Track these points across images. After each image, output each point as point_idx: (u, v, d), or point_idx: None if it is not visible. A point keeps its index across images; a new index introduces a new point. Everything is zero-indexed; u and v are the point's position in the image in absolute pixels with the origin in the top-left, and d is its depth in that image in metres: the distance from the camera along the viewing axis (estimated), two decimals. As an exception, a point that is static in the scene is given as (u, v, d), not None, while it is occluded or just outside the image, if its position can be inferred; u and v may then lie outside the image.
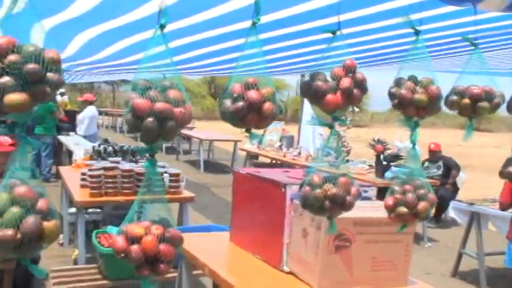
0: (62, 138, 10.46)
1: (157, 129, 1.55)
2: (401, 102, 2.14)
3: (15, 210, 1.44)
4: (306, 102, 11.60)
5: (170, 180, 5.48)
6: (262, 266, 2.99)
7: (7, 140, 5.08)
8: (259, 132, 11.33)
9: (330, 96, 1.95)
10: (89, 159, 6.74)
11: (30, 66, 1.38)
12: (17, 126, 1.42)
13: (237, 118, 1.76)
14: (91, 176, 5.22)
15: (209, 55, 4.43)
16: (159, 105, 1.55)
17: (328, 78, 1.99)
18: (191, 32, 3.32)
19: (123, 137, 20.76)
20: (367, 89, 2.01)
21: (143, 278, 1.72)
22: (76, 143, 9.56)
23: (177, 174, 5.55)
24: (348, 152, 9.66)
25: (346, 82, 1.95)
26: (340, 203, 1.97)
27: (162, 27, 1.60)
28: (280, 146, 11.36)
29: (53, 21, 2.96)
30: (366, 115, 46.92)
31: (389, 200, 2.22)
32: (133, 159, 6.34)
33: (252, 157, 13.05)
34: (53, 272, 4.35)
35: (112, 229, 4.74)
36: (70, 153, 9.52)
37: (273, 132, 12.14)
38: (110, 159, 6.08)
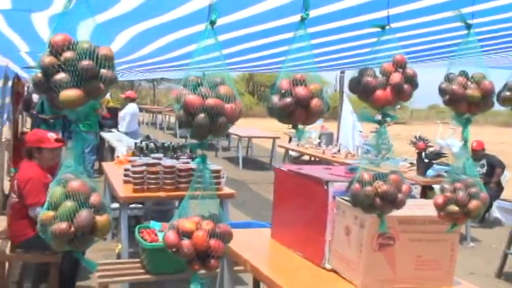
0: (105, 134, 10.65)
1: (208, 125, 1.56)
2: (453, 98, 2.08)
3: (69, 204, 1.47)
4: (345, 99, 11.51)
5: (211, 177, 5.50)
6: (304, 263, 2.97)
7: (52, 135, 5.21)
8: (306, 128, 11.37)
9: (379, 92, 1.92)
10: (131, 155, 6.84)
11: (85, 62, 1.40)
12: (71, 122, 1.44)
13: (284, 114, 1.75)
14: (134, 172, 5.29)
15: (252, 50, 4.42)
16: (210, 101, 1.55)
17: (378, 74, 1.96)
18: (234, 28, 3.32)
19: (163, 133, 21.03)
20: (417, 84, 1.97)
21: (193, 273, 1.72)
22: (118, 140, 9.72)
23: (218, 171, 5.57)
24: (389, 150, 9.51)
25: (396, 77, 1.91)
26: (391, 201, 1.94)
27: (212, 23, 1.59)
28: (319, 143, 11.29)
29: (98, 19, 3.01)
30: (406, 112, 46.16)
31: (439, 198, 2.16)
32: (175, 155, 6.39)
33: (290, 154, 13.00)
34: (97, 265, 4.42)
35: (154, 224, 4.81)
36: (112, 149, 9.68)
37: (312, 129, 12.07)
38: (152, 155, 6.16)
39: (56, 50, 1.42)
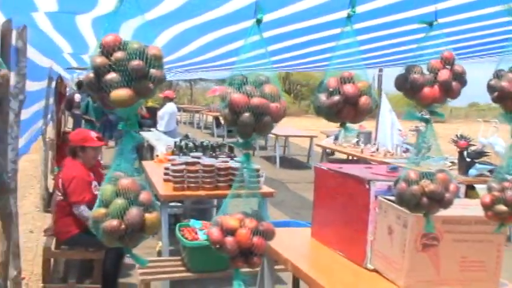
0: (144, 134, 10.80)
1: (253, 124, 1.56)
2: (502, 95, 2.02)
3: (119, 201, 1.49)
4: (384, 97, 11.35)
5: (250, 176, 5.51)
6: (345, 262, 2.95)
7: (95, 134, 5.33)
8: (354, 127, 11.26)
9: (427, 90, 1.88)
10: (170, 154, 6.91)
11: (135, 62, 1.42)
12: (121, 121, 1.46)
13: (332, 112, 1.74)
14: (174, 171, 5.34)
15: (293, 48, 4.39)
16: (256, 100, 1.56)
17: (425, 71, 1.93)
18: (277, 25, 3.30)
19: (201, 132, 21.21)
20: (466, 81, 1.93)
21: (236, 270, 1.73)
22: (157, 139, 9.84)
23: (257, 170, 5.57)
24: (429, 149, 9.35)
25: (444, 74, 1.88)
26: (439, 200, 1.90)
27: (258, 21, 1.60)
28: (357, 142, 11.17)
29: (139, 20, 3.05)
30: (445, 110, 45.23)
31: (487, 197, 2.10)
32: (214, 154, 6.43)
33: (327, 153, 12.92)
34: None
35: (195, 223, 4.86)
36: (151, 148, 9.81)
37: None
38: (191, 154, 6.21)
39: (107, 51, 1.44)
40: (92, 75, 1.45)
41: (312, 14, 2.95)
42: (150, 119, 11.54)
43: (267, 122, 1.57)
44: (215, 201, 7.04)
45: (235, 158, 6.15)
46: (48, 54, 6.01)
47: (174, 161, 5.68)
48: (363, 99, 1.73)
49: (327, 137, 13.42)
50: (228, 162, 5.72)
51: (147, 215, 1.51)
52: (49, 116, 8.04)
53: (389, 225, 2.64)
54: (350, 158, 12.09)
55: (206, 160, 5.70)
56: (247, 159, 1.71)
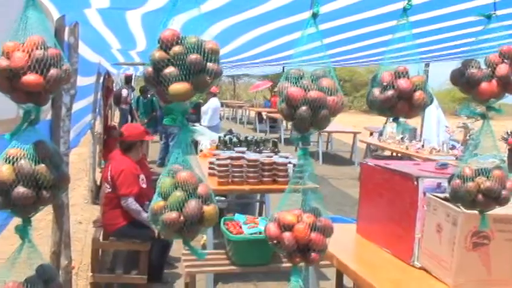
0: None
1: (310, 117, 1.55)
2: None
3: (178, 194, 1.51)
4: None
5: (294, 171, 5.49)
6: (392, 259, 2.91)
7: (141, 128, 5.43)
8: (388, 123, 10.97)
9: (484, 85, 1.84)
10: (215, 149, 6.96)
11: (193, 56, 1.43)
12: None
13: (385, 107, 1.71)
14: (219, 165, 5.38)
15: (344, 42, 4.33)
16: (313, 94, 1.55)
17: (482, 65, 1.88)
18: (329, 19, 3.26)
19: (243, 128, 21.29)
20: (526, 76, 1.87)
21: (293, 266, 1.73)
22: (201, 134, 9.91)
23: (301, 165, 5.55)
24: (476, 146, 9.14)
25: (503, 69, 1.82)
26: (495, 198, 1.85)
27: (314, 15, 1.59)
28: (402, 138, 10.99)
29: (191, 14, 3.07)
30: (492, 106, 43.95)
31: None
32: (258, 149, 6.44)
33: (372, 149, 12.76)
34: (184, 255, 4.54)
35: (239, 217, 4.87)
36: (195, 143, 9.90)
37: (395, 123, 11.74)
38: (236, 149, 6.24)
39: (165, 45, 1.46)
40: (150, 69, 1.47)
41: (366, 6, 2.91)
42: (194, 114, 11.63)
43: (325, 116, 1.56)
44: (258, 196, 7.06)
45: (279, 153, 6.15)
46: (98, 50, 6.14)
47: (219, 155, 5.72)
48: (418, 94, 1.70)
49: (371, 133, 13.27)
50: (272, 157, 5.72)
51: (206, 208, 1.52)
52: (97, 110, 8.23)
53: (438, 222, 2.59)
54: (394, 154, 11.90)
55: (251, 155, 5.72)
56: (304, 153, 1.70)
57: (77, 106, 5.18)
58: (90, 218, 6.82)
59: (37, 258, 1.52)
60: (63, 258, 3.72)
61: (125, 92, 12.93)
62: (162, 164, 11.04)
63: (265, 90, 30.67)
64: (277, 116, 18.61)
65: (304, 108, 1.55)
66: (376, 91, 1.73)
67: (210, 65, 1.46)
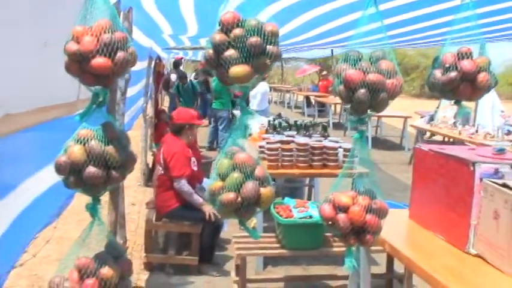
0: (237, 112, 10.96)
1: (368, 100, 1.54)
2: None
3: (236, 175, 1.54)
4: (485, 76, 10.76)
5: (344, 155, 5.46)
6: (446, 246, 2.86)
7: (191, 112, 5.50)
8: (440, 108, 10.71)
9: None
10: (264, 132, 6.96)
11: (253, 39, 1.45)
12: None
13: (447, 90, 1.68)
14: (269, 149, 5.38)
15: (404, 23, 4.24)
16: (372, 76, 1.53)
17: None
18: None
19: (291, 112, 21.23)
20: None
21: (348, 248, 1.73)
22: (250, 117, 9.93)
23: (356, 149, 5.50)
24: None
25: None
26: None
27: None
28: (454, 123, 10.69)
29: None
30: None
31: None
32: (307, 133, 6.42)
33: (422, 134, 12.50)
34: (235, 237, 4.60)
35: (289, 200, 4.89)
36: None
37: (447, 108, 11.44)
38: (285, 133, 6.23)
39: (226, 28, 1.48)
40: (211, 51, 1.49)
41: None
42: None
43: (383, 99, 1.54)
44: (307, 180, 7.05)
45: (329, 138, 6.11)
46: (150, 34, 6.25)
47: (269, 139, 5.72)
48: (482, 76, 1.66)
49: (421, 117, 12.97)
50: (322, 141, 5.69)
51: (262, 189, 1.54)
52: (148, 94, 8.38)
53: (495, 209, 2.53)
54: (446, 139, 11.63)
55: (300, 139, 5.70)
56: (361, 136, 1.69)
57: (130, 90, 5.30)
58: (143, 200, 6.98)
59: (106, 236, 1.58)
60: (118, 238, 3.84)
61: (173, 77, 13.10)
62: (211, 147, 11.16)
63: (312, 75, 30.40)
64: (326, 100, 18.48)
65: (362, 91, 1.54)
66: (438, 73, 1.69)
67: (269, 47, 1.47)
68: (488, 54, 1.67)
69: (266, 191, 1.55)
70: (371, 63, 1.57)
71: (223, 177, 1.56)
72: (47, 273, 4.68)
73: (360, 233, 1.70)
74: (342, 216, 1.68)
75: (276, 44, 1.48)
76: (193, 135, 5.25)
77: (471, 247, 2.69)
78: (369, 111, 1.61)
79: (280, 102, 26.18)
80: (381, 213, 1.71)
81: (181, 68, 15.37)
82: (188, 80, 12.29)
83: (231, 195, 1.51)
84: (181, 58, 14.39)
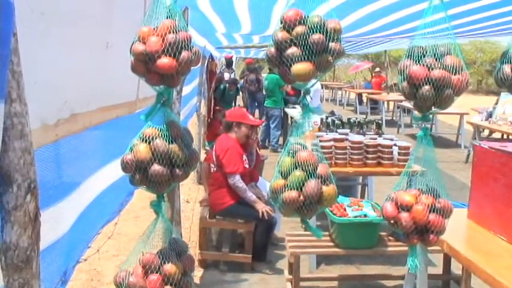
0: (289, 110, 10.96)
1: (433, 97, 1.50)
2: None
3: (298, 173, 1.53)
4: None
5: (399, 153, 5.37)
6: (508, 247, 2.79)
7: (243, 110, 5.55)
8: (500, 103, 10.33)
9: None
10: (317, 130, 6.93)
11: (316, 36, 1.44)
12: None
13: (517, 85, 1.62)
14: (322, 147, 5.34)
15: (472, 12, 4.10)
16: (436, 73, 1.49)
17: None
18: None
19: (343, 109, 21.02)
20: None
21: (411, 246, 1.70)
22: (319, 114, 9.86)
23: (407, 147, 5.40)
24: None
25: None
26: None
27: (439, -9, 1.52)
28: (515, 120, 10.30)
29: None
30: None
31: None
32: (361, 131, 6.34)
33: (480, 132, 12.12)
34: (288, 236, 4.60)
35: (343, 199, 4.85)
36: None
37: (506, 104, 11.04)
38: (339, 131, 6.18)
39: (288, 25, 1.47)
40: (273, 49, 1.49)
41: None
42: (295, 96, 11.63)
43: (448, 96, 1.50)
44: (360, 179, 6.96)
45: (383, 135, 6.02)
46: (204, 33, 6.32)
47: (322, 137, 5.69)
48: (554, 72, 1.59)
49: (479, 114, 12.58)
50: (376, 139, 5.61)
51: (325, 188, 1.53)
52: (202, 93, 8.48)
53: (560, 209, 2.44)
54: (506, 136, 11.22)
55: (354, 137, 5.64)
56: (425, 134, 1.65)
57: (185, 89, 5.39)
58: (197, 197, 7.08)
59: (169, 232, 1.61)
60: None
61: (226, 76, 13.20)
62: (263, 145, 11.18)
63: (365, 71, 30.01)
64: (378, 97, 18.19)
65: (427, 87, 1.50)
66: (507, 68, 1.63)
67: (332, 44, 1.45)
68: None
69: (328, 189, 1.54)
70: (436, 59, 1.53)
71: (285, 175, 1.56)
72: (106, 268, 4.82)
73: (423, 232, 1.67)
74: (404, 215, 1.65)
75: (338, 41, 1.47)
76: (247, 136, 5.25)
77: (534, 248, 2.61)
78: (433, 108, 1.56)
79: (331, 100, 25.97)
80: (445, 213, 1.67)
81: (233, 67, 15.46)
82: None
83: (293, 194, 1.51)
84: (231, 57, 14.47)
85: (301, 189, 1.52)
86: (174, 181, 1.53)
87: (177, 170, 1.50)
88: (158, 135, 1.50)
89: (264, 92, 12.01)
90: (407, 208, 1.66)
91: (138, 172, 1.50)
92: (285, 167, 1.55)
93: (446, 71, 1.51)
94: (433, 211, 1.65)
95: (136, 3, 2.49)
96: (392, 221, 1.68)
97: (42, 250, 1.24)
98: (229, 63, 14.64)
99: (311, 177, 1.52)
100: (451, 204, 1.70)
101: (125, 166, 1.52)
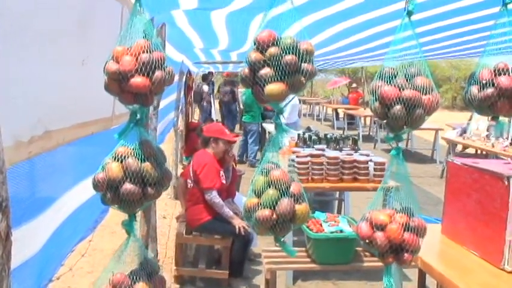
0: (266, 125, 11.00)
1: (404, 117, 1.53)
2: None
3: (271, 192, 1.54)
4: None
5: (375, 169, 5.43)
6: (480, 262, 2.81)
7: (219, 126, 5.56)
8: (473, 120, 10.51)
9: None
10: (294, 146, 6.95)
11: (288, 57, 1.46)
12: (276, 114, 1.51)
13: (485, 106, 1.66)
14: (299, 163, 5.38)
15: (437, 31, 4.20)
16: (407, 93, 1.52)
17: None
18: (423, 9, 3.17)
19: (321, 124, 21.16)
20: None
21: (386, 266, 1.71)
22: (292, 132, 9.90)
23: (383, 163, 5.47)
24: None
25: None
26: None
27: (409, 13, 1.56)
28: (487, 136, 10.48)
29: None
30: None
31: None
32: (338, 147, 6.39)
33: (455, 147, 12.30)
34: (265, 251, 4.59)
35: (319, 214, 4.86)
36: (273, 139, 9.92)
37: (480, 120, 11.23)
38: (316, 146, 6.21)
39: (261, 46, 1.49)
40: (247, 70, 1.51)
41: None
42: (273, 111, 11.67)
43: (419, 115, 1.53)
44: (337, 194, 7.01)
45: (359, 151, 6.08)
46: (181, 49, 6.33)
47: (299, 152, 5.72)
48: (520, 92, 1.63)
49: (453, 129, 12.77)
50: (352, 155, 5.66)
51: (298, 206, 1.55)
52: (180, 108, 8.47)
53: (531, 225, 2.49)
54: (479, 152, 11.41)
55: (331, 152, 5.68)
56: (398, 153, 1.68)
57: (162, 104, 5.37)
58: (174, 213, 7.03)
59: (141, 252, 1.60)
60: (149, 252, 3.86)
61: (206, 88, 13.21)
62: (241, 160, 11.18)
63: (342, 87, 30.31)
64: (355, 112, 18.36)
65: (398, 107, 1.53)
66: (475, 89, 1.67)
67: (305, 65, 1.48)
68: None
69: (301, 207, 1.55)
70: (406, 80, 1.56)
71: (258, 194, 1.57)
72: (80, 285, 4.75)
73: (398, 251, 1.68)
74: (379, 235, 1.67)
75: (311, 62, 1.49)
76: (224, 151, 5.26)
77: (506, 263, 2.65)
78: (405, 128, 1.59)
79: (309, 115, 26.14)
80: (420, 231, 1.69)
81: (212, 79, 15.49)
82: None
83: (266, 212, 1.52)
84: (209, 72, 14.55)
85: (274, 207, 1.53)
86: (146, 200, 1.53)
87: (149, 189, 1.50)
88: (131, 153, 1.50)
89: (239, 104, 12.08)
90: (382, 227, 1.68)
91: (109, 191, 1.49)
92: (259, 186, 1.56)
93: (417, 91, 1.54)
94: (408, 230, 1.67)
95: (112, 20, 2.50)
96: (367, 241, 1.70)
97: (13, 269, 1.23)
98: (207, 77, 14.67)
99: (284, 195, 1.53)
100: (425, 223, 1.72)
101: (96, 184, 1.51)
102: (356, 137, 7.01)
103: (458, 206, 3.17)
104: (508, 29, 1.64)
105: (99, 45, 2.11)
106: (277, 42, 1.49)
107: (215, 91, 17.19)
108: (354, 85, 22.65)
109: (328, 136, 6.84)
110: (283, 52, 1.47)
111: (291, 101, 1.62)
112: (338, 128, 18.72)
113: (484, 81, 1.63)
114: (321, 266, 4.41)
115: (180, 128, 8.73)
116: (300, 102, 17.24)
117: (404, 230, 1.66)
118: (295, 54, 1.47)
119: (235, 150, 11.88)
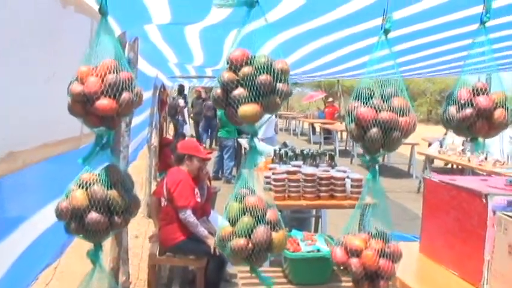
0: (242, 141, 10.93)
1: (381, 139, 1.48)
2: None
3: (246, 219, 1.47)
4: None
5: (352, 186, 5.39)
6: (459, 282, 2.77)
7: (194, 143, 5.48)
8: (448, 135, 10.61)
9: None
10: (270, 162, 6.89)
11: (262, 77, 1.40)
12: (250, 135, 1.44)
13: (463, 126, 1.62)
14: (275, 180, 5.31)
15: (415, 49, 4.21)
16: (384, 115, 1.48)
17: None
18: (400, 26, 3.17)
19: (297, 139, 21.19)
20: None
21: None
22: (267, 154, 9.83)
23: (360, 180, 5.43)
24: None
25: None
26: None
27: (386, 32, 1.52)
28: (463, 150, 10.58)
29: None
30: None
31: None
32: (314, 163, 6.34)
33: (431, 162, 12.41)
34: (241, 272, 4.50)
35: (296, 233, 4.80)
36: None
37: (455, 135, 11.34)
38: (292, 163, 6.16)
39: (234, 66, 1.43)
40: (219, 90, 1.44)
41: (440, 12, 2.78)
42: (248, 127, 11.64)
43: (396, 138, 1.49)
44: (314, 211, 6.95)
45: (336, 167, 6.04)
46: (155, 63, 6.25)
47: (275, 169, 5.65)
48: (498, 113, 1.60)
49: (429, 144, 12.89)
50: (329, 171, 5.62)
51: (274, 234, 1.48)
52: (153, 124, 8.36)
53: (510, 243, 2.45)
54: (455, 167, 11.52)
55: (307, 169, 5.62)
56: (374, 175, 1.63)
57: (135, 121, 5.27)
58: (147, 232, 6.88)
59: (107, 283, 1.52)
60: (121, 275, 3.75)
61: (181, 102, 13.13)
62: (216, 177, 11.07)
63: (318, 101, 30.48)
64: (332, 127, 18.44)
65: (374, 130, 1.48)
66: (453, 109, 1.64)
67: (279, 85, 1.42)
68: (504, 85, 1.62)
69: (278, 235, 1.48)
70: (383, 101, 1.51)
71: (233, 221, 1.49)
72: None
73: (373, 278, 1.63)
74: (354, 261, 1.61)
75: (286, 82, 1.43)
76: (199, 169, 5.18)
77: (485, 283, 2.60)
78: (381, 150, 1.54)
79: (285, 129, 26.18)
80: (395, 257, 1.64)
81: (185, 92, 15.43)
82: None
83: (241, 241, 1.44)
84: (183, 85, 14.52)
85: (250, 236, 1.45)
86: (113, 229, 1.45)
87: (116, 218, 1.42)
88: (96, 180, 1.42)
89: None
90: (357, 253, 1.62)
91: (73, 220, 1.41)
92: (233, 213, 1.49)
93: (394, 113, 1.49)
94: (383, 256, 1.62)
95: (81, 35, 2.41)
96: (342, 267, 1.64)
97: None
98: (181, 90, 14.59)
99: (260, 223, 1.46)
100: (401, 249, 1.67)
101: (59, 213, 1.42)
102: (333, 153, 6.98)
103: (437, 224, 3.13)
104: (486, 47, 1.61)
105: (66, 61, 2.02)
106: (251, 61, 1.43)
107: (189, 105, 17.10)
108: (330, 99, 22.79)
109: (305, 152, 6.79)
110: (257, 72, 1.41)
111: (266, 122, 1.56)
112: (315, 143, 18.76)
113: (462, 101, 1.60)
114: (297, 286, 4.33)
115: (154, 144, 8.61)
116: (276, 117, 17.28)
117: (379, 256, 1.61)
118: (270, 74, 1.41)
119: (211, 166, 11.81)
